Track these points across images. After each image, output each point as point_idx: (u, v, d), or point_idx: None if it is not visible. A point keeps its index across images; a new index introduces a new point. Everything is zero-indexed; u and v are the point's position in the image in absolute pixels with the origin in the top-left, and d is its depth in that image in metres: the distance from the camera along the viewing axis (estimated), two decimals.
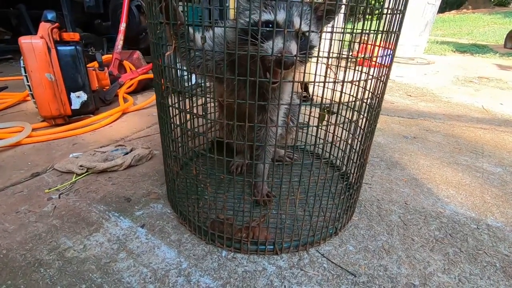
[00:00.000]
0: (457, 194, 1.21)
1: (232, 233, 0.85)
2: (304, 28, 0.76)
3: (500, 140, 1.78)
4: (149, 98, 2.32)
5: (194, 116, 0.81)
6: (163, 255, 0.85)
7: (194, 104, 0.89)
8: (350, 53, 0.92)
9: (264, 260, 0.85)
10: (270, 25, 0.75)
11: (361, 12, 0.74)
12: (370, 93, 0.93)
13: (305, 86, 2.44)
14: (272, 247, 0.86)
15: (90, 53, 2.97)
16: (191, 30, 0.84)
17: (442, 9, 23.77)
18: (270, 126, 0.86)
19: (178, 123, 0.83)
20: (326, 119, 1.30)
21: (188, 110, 0.82)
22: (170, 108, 0.84)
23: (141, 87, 2.56)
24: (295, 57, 0.68)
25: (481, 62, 5.45)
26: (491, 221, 1.05)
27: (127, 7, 2.34)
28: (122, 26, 2.32)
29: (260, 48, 0.71)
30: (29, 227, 0.94)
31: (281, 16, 0.73)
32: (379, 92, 0.94)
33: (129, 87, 2.39)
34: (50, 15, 1.58)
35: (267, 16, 0.75)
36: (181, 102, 0.83)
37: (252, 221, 0.85)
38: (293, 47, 0.70)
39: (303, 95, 2.30)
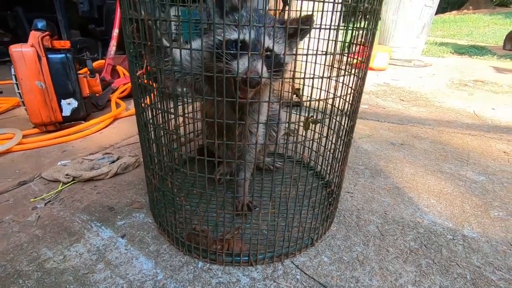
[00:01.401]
0: (438, 203, 1.23)
1: (208, 244, 0.87)
2: (274, 47, 0.78)
3: (487, 147, 1.79)
4: None
5: (168, 132, 0.83)
6: (140, 266, 0.87)
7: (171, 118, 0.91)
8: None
9: (239, 271, 0.87)
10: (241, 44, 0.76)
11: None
12: (348, 103, 0.94)
13: (296, 91, 2.46)
14: (247, 258, 0.88)
15: (85, 57, 3.00)
16: (167, 43, 0.86)
17: (443, 9, 23.74)
18: (248, 139, 0.88)
19: (154, 138, 0.85)
20: (310, 127, 1.32)
21: (161, 125, 0.84)
22: (148, 124, 0.86)
23: None
24: (259, 78, 0.70)
25: (478, 65, 5.45)
26: (468, 232, 1.06)
27: (119, 13, 2.35)
28: (115, 32, 2.34)
29: (228, 67, 0.73)
30: (12, 237, 0.96)
31: (248, 36, 0.74)
32: (354, 102, 0.96)
33: (122, 92, 2.42)
34: (40, 24, 1.61)
35: (235, 35, 0.76)
36: (155, 117, 0.84)
37: (226, 233, 0.87)
38: (259, 66, 0.72)
39: (295, 100, 2.31)
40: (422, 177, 1.43)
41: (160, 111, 0.83)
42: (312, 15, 0.78)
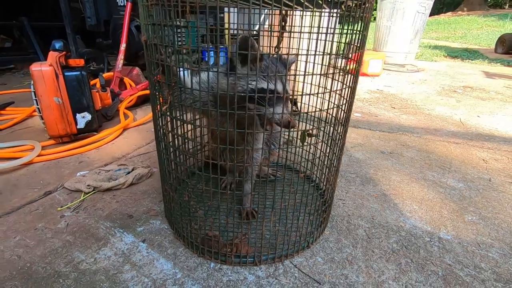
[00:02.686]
0: (419, 209, 1.38)
1: (219, 248, 1.02)
2: (290, 91, 0.95)
3: (468, 155, 1.95)
4: (148, 113, 2.48)
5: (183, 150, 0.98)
6: (161, 267, 1.02)
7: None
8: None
9: (246, 270, 1.02)
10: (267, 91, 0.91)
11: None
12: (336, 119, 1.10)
13: (294, 101, 2.61)
14: (252, 259, 1.03)
15: (92, 68, 3.14)
16: (181, 75, 1.01)
17: (438, 10, 24.01)
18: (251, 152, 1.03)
19: (172, 157, 1.00)
20: (306, 140, 1.48)
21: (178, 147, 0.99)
22: (167, 148, 1.00)
23: (141, 101, 2.72)
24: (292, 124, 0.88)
25: (469, 69, 5.64)
26: (443, 234, 1.22)
27: (127, 28, 2.50)
28: (123, 46, 2.48)
29: (261, 112, 0.90)
30: (47, 242, 1.10)
31: (279, 87, 0.91)
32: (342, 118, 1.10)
33: (130, 101, 2.56)
34: (58, 44, 1.74)
35: (265, 85, 0.91)
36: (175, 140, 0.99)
37: (235, 238, 1.02)
38: (289, 111, 0.90)
39: (293, 109, 2.47)
40: (407, 184, 1.59)
41: (177, 136, 0.98)
42: (297, 55, 0.95)
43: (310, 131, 1.42)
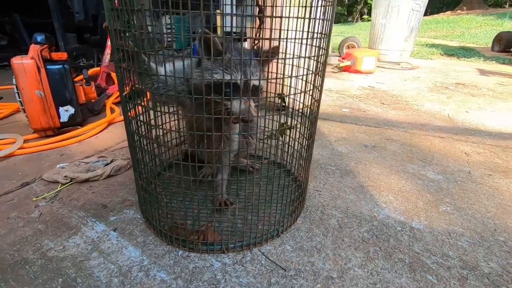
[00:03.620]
0: (395, 200, 1.39)
1: (186, 236, 1.02)
2: (256, 82, 0.94)
3: (451, 149, 1.95)
4: None
5: (151, 141, 0.98)
6: (129, 254, 1.02)
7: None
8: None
9: (213, 258, 1.02)
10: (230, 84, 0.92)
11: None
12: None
13: (283, 97, 2.61)
14: (220, 247, 1.03)
15: (81, 63, 3.14)
16: (153, 64, 1.02)
17: (438, 9, 23.97)
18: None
19: (140, 145, 1.00)
20: (285, 133, 1.48)
21: (145, 134, 0.99)
22: (135, 133, 1.01)
23: None
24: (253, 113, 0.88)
25: (464, 67, 5.63)
26: (415, 224, 1.22)
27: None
28: (109, 41, 2.47)
29: (226, 106, 0.91)
30: (18, 231, 1.11)
31: (239, 77, 0.91)
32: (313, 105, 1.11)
33: (117, 97, 2.56)
34: (40, 37, 1.75)
35: (223, 77, 0.92)
36: (140, 128, 1.00)
37: (202, 226, 1.03)
38: (252, 106, 0.89)
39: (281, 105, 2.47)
40: (387, 176, 1.59)
41: (143, 123, 0.98)
42: (278, 46, 0.95)
43: (288, 124, 1.43)
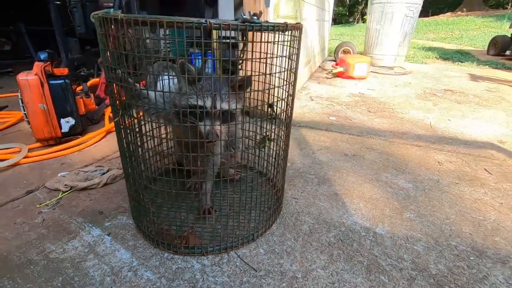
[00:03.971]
0: (364, 207, 1.52)
1: (171, 240, 1.17)
2: (225, 107, 1.08)
3: (426, 157, 2.09)
4: None
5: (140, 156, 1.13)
6: (120, 256, 1.17)
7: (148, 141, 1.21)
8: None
9: (194, 260, 1.16)
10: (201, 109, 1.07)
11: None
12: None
13: (271, 105, 2.75)
14: (200, 250, 1.17)
15: (82, 73, 3.30)
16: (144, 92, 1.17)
17: (439, 10, 23.99)
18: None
19: (128, 157, 1.15)
20: (266, 144, 1.63)
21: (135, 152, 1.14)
22: (130, 147, 1.15)
23: None
24: (218, 135, 1.03)
25: (456, 72, 5.75)
26: (379, 230, 1.36)
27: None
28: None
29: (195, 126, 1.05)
30: (23, 235, 1.26)
31: (208, 103, 1.06)
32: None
33: None
34: (43, 55, 1.90)
35: (199, 102, 1.06)
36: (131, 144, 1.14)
37: (184, 231, 1.17)
38: (217, 128, 1.03)
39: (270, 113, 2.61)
40: (360, 185, 1.73)
41: (135, 138, 1.13)
42: (250, 76, 1.09)
43: (269, 136, 1.58)
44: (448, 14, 22.02)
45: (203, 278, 1.08)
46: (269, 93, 1.24)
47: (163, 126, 1.50)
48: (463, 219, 1.45)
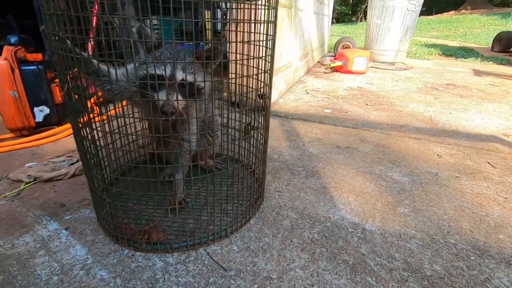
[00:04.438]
0: (354, 201, 1.38)
1: (131, 235, 1.04)
2: (188, 78, 0.95)
3: (425, 150, 1.94)
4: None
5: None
6: (74, 253, 1.04)
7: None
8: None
9: (157, 257, 1.03)
10: (160, 78, 0.94)
11: None
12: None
13: (261, 95, 2.62)
14: (164, 246, 1.04)
15: None
16: (103, 67, 1.04)
17: (442, 9, 23.72)
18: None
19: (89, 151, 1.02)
20: (249, 133, 1.50)
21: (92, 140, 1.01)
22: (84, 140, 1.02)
23: None
24: (176, 108, 0.89)
25: (459, 67, 5.58)
26: (368, 226, 1.22)
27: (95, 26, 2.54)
28: (90, 43, 2.51)
29: (153, 98, 0.92)
30: None
31: (167, 71, 0.92)
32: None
33: (100, 97, 2.58)
34: (13, 39, 1.78)
35: (158, 71, 0.93)
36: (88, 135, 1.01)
37: (145, 225, 1.04)
38: (174, 98, 0.90)
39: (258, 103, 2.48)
40: (351, 178, 1.59)
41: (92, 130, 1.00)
42: (218, 45, 0.96)
43: (253, 124, 1.44)
44: (452, 12, 21.73)
45: (164, 278, 0.95)
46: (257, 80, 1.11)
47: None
48: (463, 214, 1.30)
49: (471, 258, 1.07)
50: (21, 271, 0.96)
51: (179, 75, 0.96)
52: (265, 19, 1.02)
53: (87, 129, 0.98)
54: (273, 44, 1.10)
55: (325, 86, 3.79)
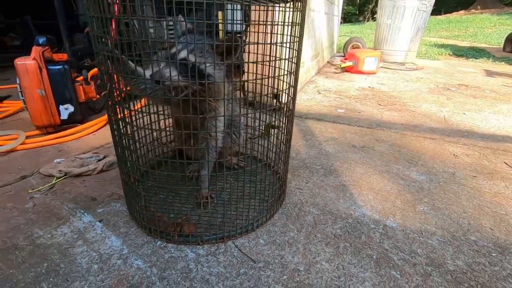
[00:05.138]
0: (374, 199, 1.42)
1: (164, 227, 1.09)
2: (191, 58, 0.99)
3: (440, 150, 1.96)
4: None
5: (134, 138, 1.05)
6: (110, 243, 1.09)
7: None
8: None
9: (189, 249, 1.08)
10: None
11: None
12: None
13: (276, 95, 2.66)
14: (195, 238, 1.09)
15: (86, 63, 3.26)
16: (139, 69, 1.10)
17: (452, 9, 23.42)
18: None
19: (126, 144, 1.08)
20: (271, 132, 1.54)
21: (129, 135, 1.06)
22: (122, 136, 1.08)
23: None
24: (167, 79, 0.95)
25: (471, 68, 5.54)
26: (389, 222, 1.25)
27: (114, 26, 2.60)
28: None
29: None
30: (12, 220, 1.20)
31: (173, 51, 1.00)
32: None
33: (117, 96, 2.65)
34: (41, 39, 1.85)
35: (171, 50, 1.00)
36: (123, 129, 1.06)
37: (178, 218, 1.09)
38: (167, 71, 0.95)
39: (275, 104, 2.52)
40: (369, 176, 1.62)
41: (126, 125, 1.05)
42: (239, 34, 1.00)
43: (273, 124, 1.49)
44: (462, 12, 21.45)
45: (197, 268, 1.00)
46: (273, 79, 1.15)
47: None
48: (483, 213, 1.33)
49: (493, 254, 1.09)
50: (63, 259, 1.02)
51: (182, 54, 1.00)
52: (293, 22, 1.06)
53: (126, 125, 1.03)
54: (300, 46, 1.13)
55: (337, 86, 3.81)
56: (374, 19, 23.98)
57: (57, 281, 0.93)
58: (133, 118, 1.13)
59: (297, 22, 1.08)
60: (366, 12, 28.42)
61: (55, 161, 1.65)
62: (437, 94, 3.49)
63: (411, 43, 5.91)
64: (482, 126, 2.44)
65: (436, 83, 4.13)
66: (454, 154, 1.90)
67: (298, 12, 1.07)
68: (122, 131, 1.05)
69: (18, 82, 1.87)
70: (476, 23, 15.43)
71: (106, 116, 2.23)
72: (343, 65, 4.66)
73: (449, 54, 7.50)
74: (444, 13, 21.90)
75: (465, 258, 1.07)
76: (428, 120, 2.58)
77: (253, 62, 1.04)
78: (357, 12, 29.22)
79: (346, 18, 26.50)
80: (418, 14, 5.69)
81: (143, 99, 1.39)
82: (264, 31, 1.03)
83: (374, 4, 26.02)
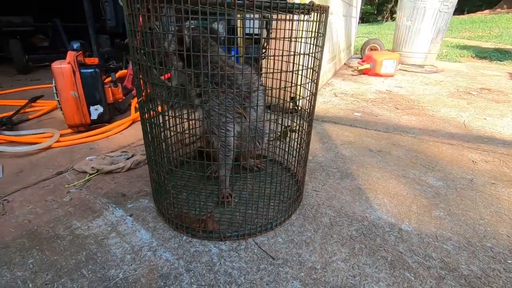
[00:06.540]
0: (389, 203, 1.45)
1: (190, 223, 1.17)
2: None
3: (458, 156, 1.96)
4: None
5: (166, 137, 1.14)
6: (141, 236, 1.19)
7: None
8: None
9: (212, 244, 1.16)
10: None
11: None
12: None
13: (293, 99, 2.71)
14: (218, 235, 1.17)
15: (112, 65, 3.43)
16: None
17: (476, 8, 22.58)
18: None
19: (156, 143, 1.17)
20: (288, 135, 1.61)
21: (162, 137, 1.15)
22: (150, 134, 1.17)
23: None
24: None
25: (494, 71, 5.37)
26: (405, 226, 1.29)
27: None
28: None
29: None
30: (52, 212, 1.32)
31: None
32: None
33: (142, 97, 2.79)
34: (75, 45, 1.99)
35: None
36: (154, 129, 1.16)
37: (202, 215, 1.17)
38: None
39: (292, 107, 2.57)
40: (386, 180, 1.65)
41: (156, 126, 1.14)
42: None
43: (292, 127, 1.55)
44: (486, 11, 20.62)
45: (220, 262, 1.07)
46: (290, 83, 1.21)
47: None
48: (500, 220, 1.34)
49: (508, 261, 1.11)
50: (99, 249, 1.12)
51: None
52: (316, 32, 1.12)
53: (159, 127, 1.12)
54: (321, 55, 1.19)
55: (353, 89, 3.81)
56: (393, 19, 23.44)
57: (95, 268, 1.03)
58: (162, 121, 1.22)
59: (321, 32, 1.14)
60: (384, 12, 27.84)
61: (87, 158, 1.77)
62: (457, 98, 3.44)
63: (431, 45, 5.79)
64: (503, 132, 2.40)
65: (456, 86, 4.05)
66: (472, 161, 1.89)
67: (321, 24, 1.13)
68: (157, 133, 1.14)
69: (54, 84, 2.01)
70: (501, 23, 14.82)
71: (131, 117, 2.36)
72: (360, 68, 4.65)
73: (471, 56, 7.28)
74: (468, 13, 21.14)
75: (480, 263, 1.10)
76: (447, 125, 2.56)
77: (278, 71, 1.10)
78: (376, 12, 28.66)
79: (364, 18, 26.05)
80: (439, 15, 5.57)
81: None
82: (283, 38, 1.09)
83: (393, 3, 25.45)
